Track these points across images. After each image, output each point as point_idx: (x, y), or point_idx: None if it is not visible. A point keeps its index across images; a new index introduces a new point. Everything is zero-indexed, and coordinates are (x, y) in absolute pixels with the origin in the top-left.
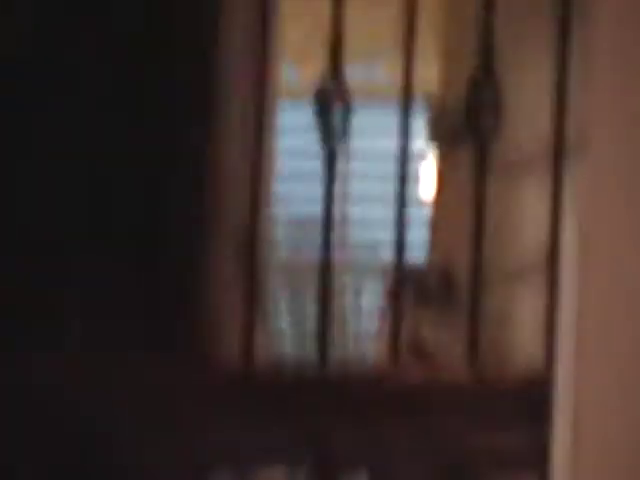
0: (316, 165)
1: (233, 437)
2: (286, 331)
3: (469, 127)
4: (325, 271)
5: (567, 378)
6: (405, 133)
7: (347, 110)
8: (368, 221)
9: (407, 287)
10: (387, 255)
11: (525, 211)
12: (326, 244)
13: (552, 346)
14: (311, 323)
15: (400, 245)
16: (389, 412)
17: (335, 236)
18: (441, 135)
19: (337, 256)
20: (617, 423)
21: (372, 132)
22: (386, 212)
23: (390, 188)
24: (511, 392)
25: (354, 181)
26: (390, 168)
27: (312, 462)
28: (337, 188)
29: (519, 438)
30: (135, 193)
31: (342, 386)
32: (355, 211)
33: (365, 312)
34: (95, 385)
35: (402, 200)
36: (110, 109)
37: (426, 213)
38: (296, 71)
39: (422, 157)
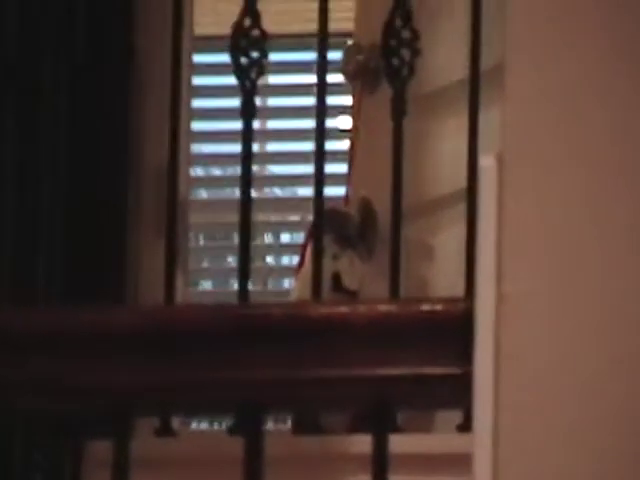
0: (234, 103)
1: (152, 381)
2: (207, 269)
3: (385, 67)
4: (245, 207)
5: (488, 309)
6: (322, 69)
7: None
8: (287, 157)
9: (327, 222)
10: (307, 190)
11: (444, 144)
12: (245, 180)
13: (472, 278)
14: (232, 260)
15: (319, 179)
16: (310, 347)
17: (255, 172)
18: (357, 73)
19: (257, 192)
20: (540, 354)
21: (289, 68)
22: (305, 147)
23: (310, 124)
24: (432, 324)
25: (272, 120)
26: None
27: (236, 404)
28: (255, 125)
29: (441, 370)
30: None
31: (262, 322)
32: (274, 147)
33: (285, 248)
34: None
35: (321, 135)
36: None
37: (345, 146)
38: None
39: (341, 92)
